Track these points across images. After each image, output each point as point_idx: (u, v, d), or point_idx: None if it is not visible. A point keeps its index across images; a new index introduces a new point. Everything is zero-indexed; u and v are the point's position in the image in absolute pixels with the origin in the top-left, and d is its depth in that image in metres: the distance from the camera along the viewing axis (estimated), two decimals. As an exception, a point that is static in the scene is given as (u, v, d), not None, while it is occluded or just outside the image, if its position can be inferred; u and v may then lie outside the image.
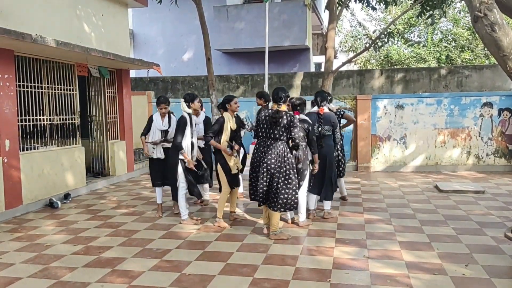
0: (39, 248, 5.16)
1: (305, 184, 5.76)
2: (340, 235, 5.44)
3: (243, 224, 6.02)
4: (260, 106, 6.60)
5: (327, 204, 6.20)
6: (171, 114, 6.58)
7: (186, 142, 5.81)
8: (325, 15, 16.97)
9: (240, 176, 6.17)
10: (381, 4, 11.31)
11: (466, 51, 20.33)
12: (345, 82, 13.15)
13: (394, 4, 11.39)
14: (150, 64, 9.96)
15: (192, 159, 5.95)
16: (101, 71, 9.13)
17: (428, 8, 10.71)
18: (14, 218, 6.64)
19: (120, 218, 6.52)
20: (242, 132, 6.25)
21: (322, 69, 13.75)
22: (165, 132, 6.44)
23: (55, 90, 7.94)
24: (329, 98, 6.98)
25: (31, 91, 7.37)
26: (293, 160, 5.21)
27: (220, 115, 5.76)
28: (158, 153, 6.46)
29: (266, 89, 10.78)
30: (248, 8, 15.29)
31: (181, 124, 5.79)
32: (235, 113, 5.87)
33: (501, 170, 10.25)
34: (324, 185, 6.10)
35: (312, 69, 17.88)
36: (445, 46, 20.90)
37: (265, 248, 4.99)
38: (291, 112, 5.31)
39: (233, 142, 5.83)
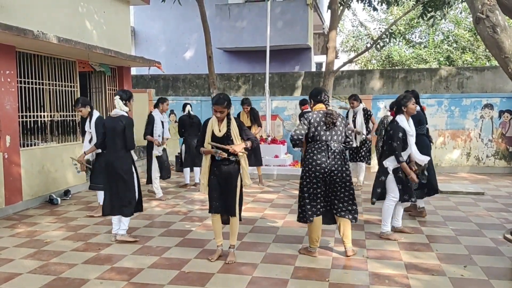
0: (39, 244, 5.16)
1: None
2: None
3: (243, 223, 6.01)
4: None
5: (421, 202, 6.22)
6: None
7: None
8: (326, 15, 16.94)
9: (236, 202, 4.54)
10: (383, 4, 11.31)
11: (467, 53, 20.32)
12: (346, 82, 13.15)
13: (395, 4, 11.38)
14: (151, 61, 9.97)
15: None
16: (102, 68, 9.13)
17: (430, 10, 10.70)
18: (14, 214, 6.65)
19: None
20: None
21: (323, 69, 13.76)
22: None
23: (56, 86, 7.94)
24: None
25: (32, 87, 7.37)
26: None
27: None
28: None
29: (266, 88, 10.78)
30: (249, 6, 15.28)
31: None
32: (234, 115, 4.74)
33: (501, 172, 10.26)
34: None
35: (313, 69, 17.88)
36: (447, 48, 20.88)
37: (264, 247, 5.00)
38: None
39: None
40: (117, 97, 5.22)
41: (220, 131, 4.44)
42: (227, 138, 4.44)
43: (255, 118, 8.57)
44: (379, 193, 5.35)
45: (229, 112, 4.49)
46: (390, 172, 5.18)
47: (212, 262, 4.52)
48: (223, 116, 4.44)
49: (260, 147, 8.84)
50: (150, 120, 7.53)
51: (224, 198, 4.52)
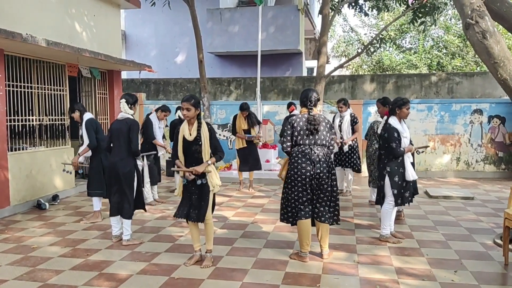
0: (26, 250, 5.08)
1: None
2: (330, 239, 5.40)
3: (234, 228, 5.99)
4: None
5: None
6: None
7: None
8: (318, 20, 17.02)
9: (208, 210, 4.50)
10: (374, 10, 11.39)
11: (457, 58, 20.52)
12: (337, 87, 13.19)
13: (386, 10, 11.46)
14: (141, 65, 9.91)
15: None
16: (92, 71, 9.06)
17: (420, 15, 10.80)
18: (1, 219, 6.54)
19: (109, 220, 6.43)
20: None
21: (315, 74, 13.79)
22: None
23: (45, 90, 7.86)
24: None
25: (20, 91, 7.29)
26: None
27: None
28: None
29: (258, 93, 10.78)
30: (241, 11, 15.29)
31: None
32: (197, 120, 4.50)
33: (491, 177, 10.33)
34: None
35: (305, 74, 17.91)
36: (436, 54, 21.07)
37: (255, 252, 4.96)
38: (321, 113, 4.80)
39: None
40: (123, 100, 5.32)
41: (190, 135, 4.43)
42: (197, 142, 4.41)
43: (252, 121, 8.51)
44: (381, 198, 5.39)
45: (199, 114, 4.47)
46: (390, 177, 5.17)
47: (188, 267, 4.51)
48: (191, 115, 4.39)
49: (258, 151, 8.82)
50: (149, 124, 7.49)
51: (196, 206, 4.50)
